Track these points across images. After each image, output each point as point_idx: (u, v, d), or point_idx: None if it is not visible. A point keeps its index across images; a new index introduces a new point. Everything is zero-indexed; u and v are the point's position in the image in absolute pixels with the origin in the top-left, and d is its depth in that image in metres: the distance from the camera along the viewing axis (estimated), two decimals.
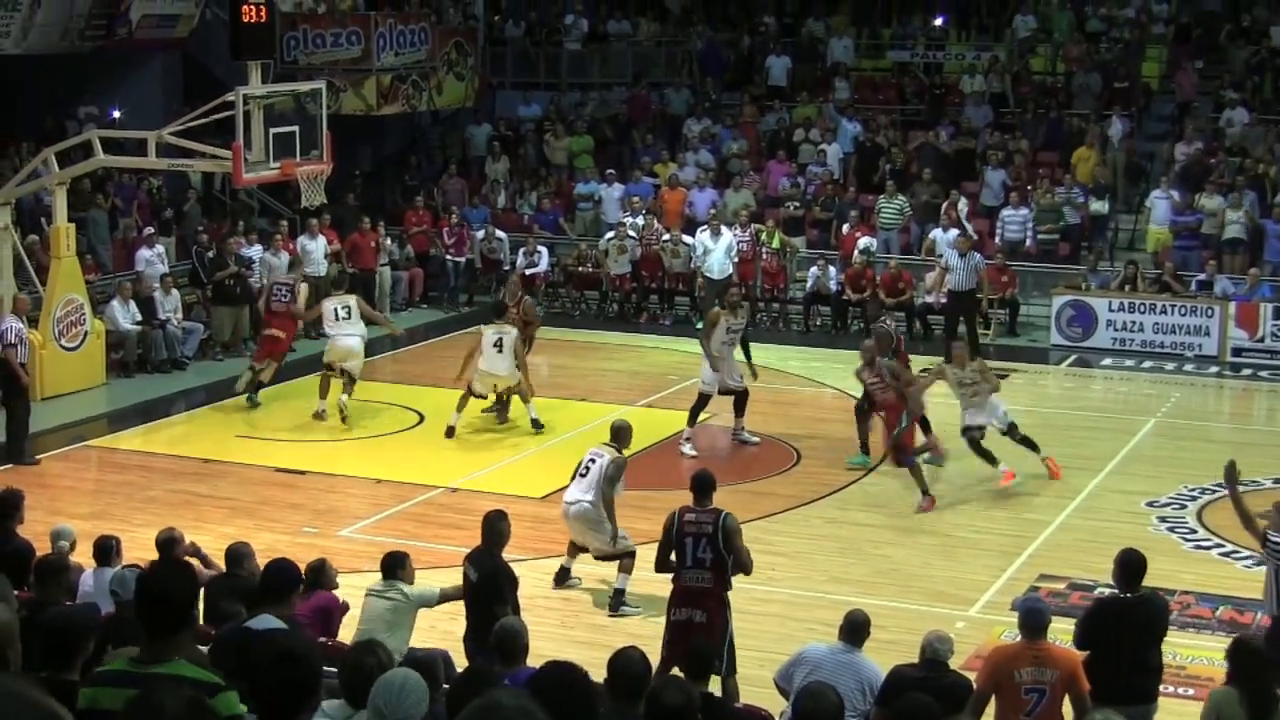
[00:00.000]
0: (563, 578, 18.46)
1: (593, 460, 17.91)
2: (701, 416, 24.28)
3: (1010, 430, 22.30)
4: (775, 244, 33.02)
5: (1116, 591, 13.21)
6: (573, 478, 18.12)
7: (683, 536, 14.55)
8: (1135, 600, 13.03)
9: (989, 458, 22.01)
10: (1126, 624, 12.76)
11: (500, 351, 24.45)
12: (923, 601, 17.90)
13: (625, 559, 17.74)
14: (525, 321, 25.90)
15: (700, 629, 14.32)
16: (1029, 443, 22.38)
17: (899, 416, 21.65)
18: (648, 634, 15.40)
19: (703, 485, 15.00)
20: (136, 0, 33.08)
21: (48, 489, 22.01)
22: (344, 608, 13.90)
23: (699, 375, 24.43)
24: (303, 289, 27.14)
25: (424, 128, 41.54)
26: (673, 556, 14.69)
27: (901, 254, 33.27)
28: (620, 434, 18.20)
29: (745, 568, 14.76)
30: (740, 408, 24.44)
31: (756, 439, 24.47)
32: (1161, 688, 13.28)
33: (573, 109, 40.79)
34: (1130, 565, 13.06)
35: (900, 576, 18.79)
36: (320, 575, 13.86)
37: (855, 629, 12.38)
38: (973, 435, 22.15)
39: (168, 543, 14.58)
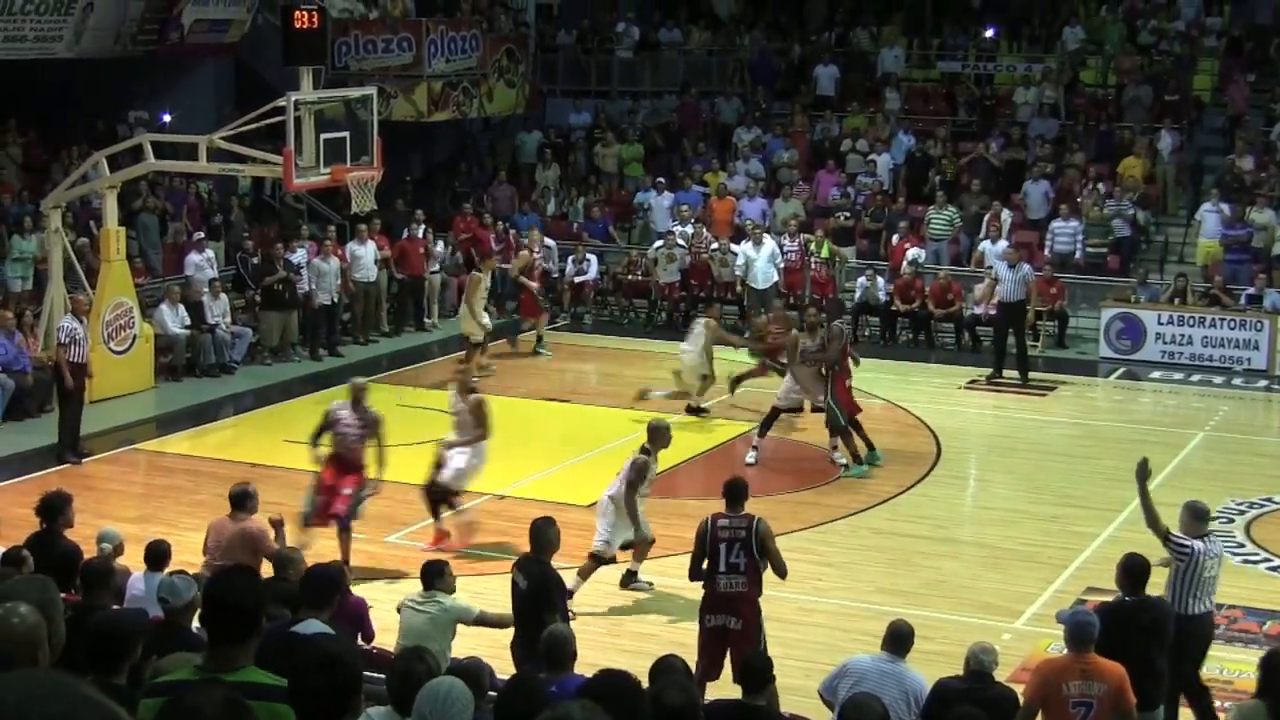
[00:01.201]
0: (629, 580, 18.64)
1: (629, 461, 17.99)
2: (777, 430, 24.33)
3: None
4: (824, 254, 33.00)
5: (1121, 596, 13.22)
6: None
7: (716, 543, 14.62)
8: (1140, 604, 13.06)
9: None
10: (1131, 629, 12.78)
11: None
12: (970, 613, 17.87)
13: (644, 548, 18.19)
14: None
15: (736, 635, 14.38)
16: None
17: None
18: (695, 643, 15.41)
19: (735, 492, 15.11)
20: (189, 5, 33.21)
21: (95, 491, 22.09)
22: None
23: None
24: None
25: (474, 134, 41.58)
26: (704, 564, 14.75)
27: (951, 265, 33.19)
28: (655, 435, 18.26)
29: (781, 571, 14.82)
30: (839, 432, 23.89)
31: (845, 461, 23.89)
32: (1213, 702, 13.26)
33: (623, 117, 40.81)
34: (1134, 569, 13.16)
35: (947, 588, 18.74)
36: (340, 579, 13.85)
37: (899, 639, 12.34)
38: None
39: (241, 496, 15.65)
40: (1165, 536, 14.17)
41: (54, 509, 14.57)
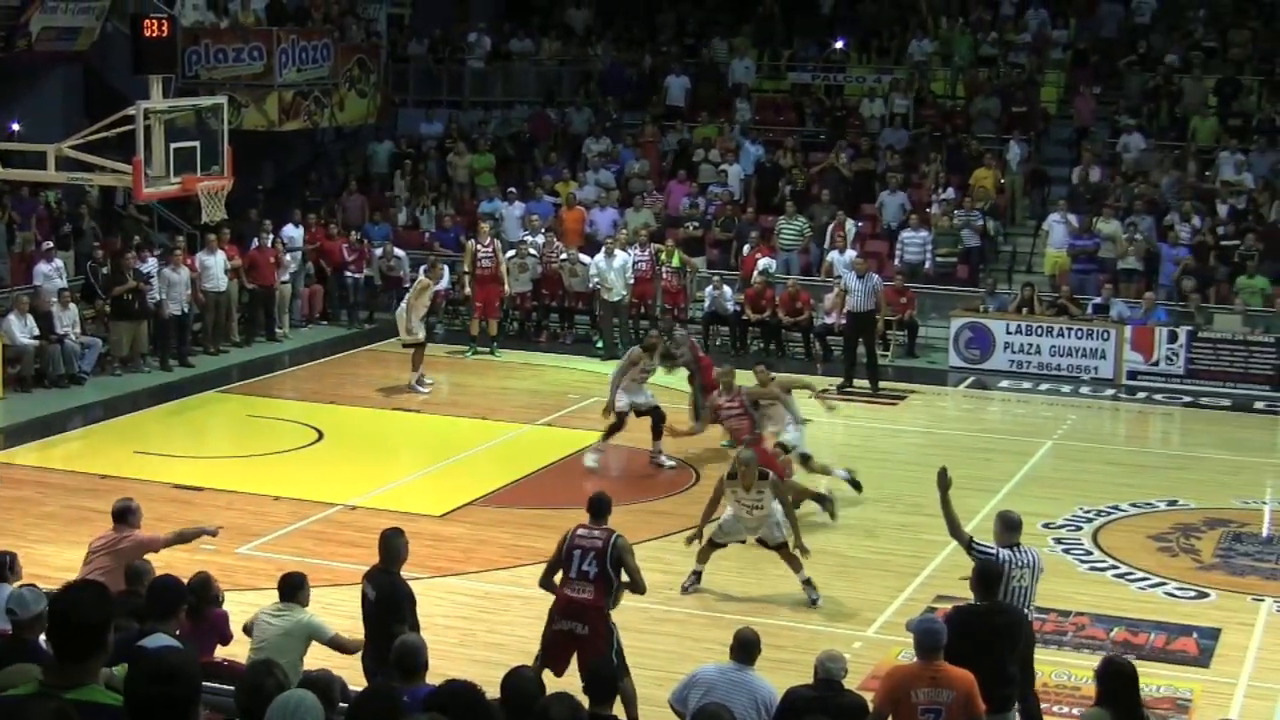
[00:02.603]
0: (694, 581, 18.97)
1: None
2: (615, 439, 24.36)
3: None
4: (675, 263, 33.10)
5: (974, 601, 13.39)
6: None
7: (571, 549, 14.83)
8: (992, 609, 13.22)
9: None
10: (985, 633, 12.90)
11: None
12: (820, 621, 18.01)
13: None
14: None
15: (583, 641, 14.59)
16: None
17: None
18: None
19: (599, 506, 15.30)
20: (37, 12, 32.83)
21: None
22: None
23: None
24: None
25: (326, 144, 41.39)
26: (557, 576, 14.96)
27: (802, 275, 33.40)
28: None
29: (640, 587, 14.97)
30: (657, 430, 24.45)
31: (673, 463, 24.46)
32: (1055, 708, 13.42)
33: (475, 127, 40.75)
34: (987, 575, 13.31)
35: (798, 596, 18.78)
36: (206, 590, 13.79)
37: (746, 647, 12.41)
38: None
39: (124, 511, 15.38)
40: (969, 545, 14.34)
41: None
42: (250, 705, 8.19)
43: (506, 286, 32.43)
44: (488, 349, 31.86)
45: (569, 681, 13.25)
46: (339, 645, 13.69)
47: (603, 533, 14.97)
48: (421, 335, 29.02)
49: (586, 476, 23.16)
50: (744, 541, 19.02)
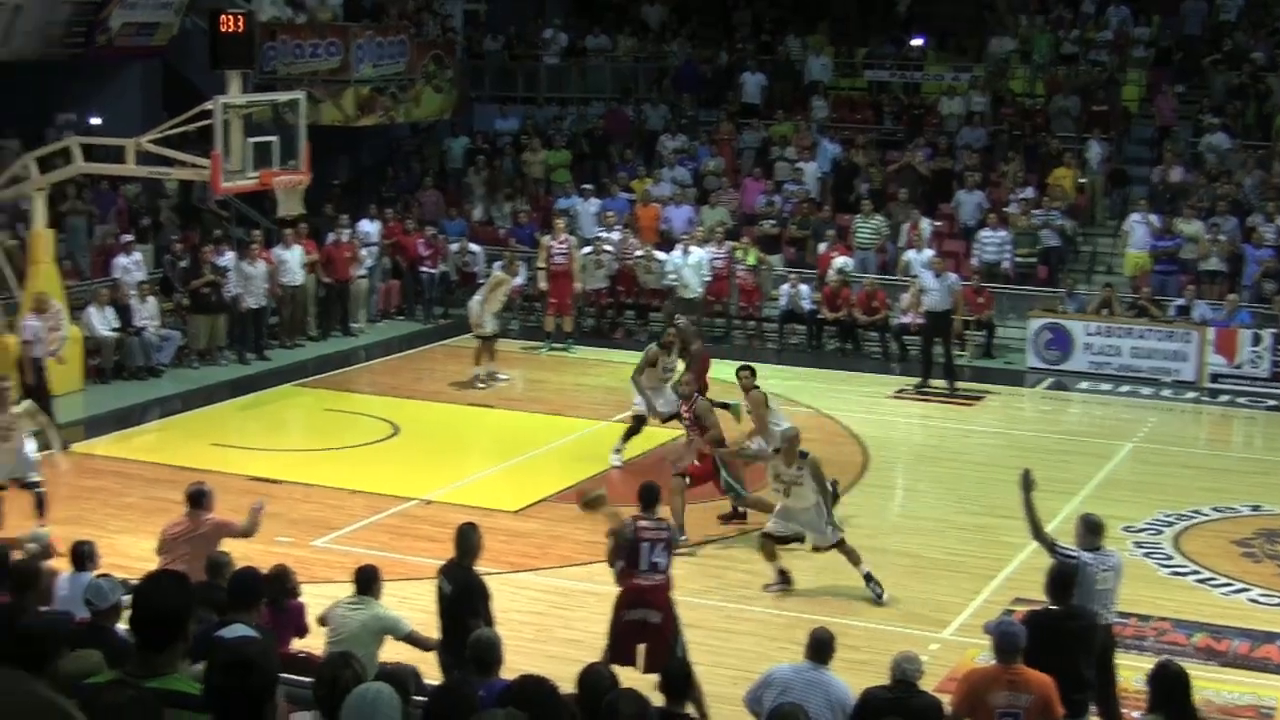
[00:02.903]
0: (782, 579, 18.98)
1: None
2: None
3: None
4: (751, 261, 32.99)
5: (1048, 605, 13.26)
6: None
7: (639, 543, 15.16)
8: (1067, 613, 13.10)
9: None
10: (1059, 637, 12.79)
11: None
12: (897, 623, 17.89)
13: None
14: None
15: (654, 629, 14.96)
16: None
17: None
18: None
19: (650, 496, 15.70)
20: (116, 8, 33.01)
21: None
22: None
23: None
24: None
25: (401, 140, 41.46)
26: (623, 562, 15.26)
27: (878, 274, 33.19)
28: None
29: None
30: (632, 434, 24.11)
31: (619, 464, 23.84)
32: (1135, 714, 13.27)
33: (550, 123, 40.76)
34: (1062, 578, 13.17)
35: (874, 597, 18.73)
36: (284, 582, 13.83)
37: (821, 647, 12.31)
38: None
39: (198, 494, 15.63)
40: (1051, 547, 14.23)
41: None
42: (327, 697, 8.19)
43: (580, 283, 32.36)
44: (563, 345, 31.82)
45: (634, 678, 13.18)
46: (415, 641, 13.66)
47: (665, 523, 15.59)
48: (491, 330, 29.00)
49: (661, 472, 23.05)
50: (802, 540, 18.98)
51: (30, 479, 20.01)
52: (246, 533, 15.92)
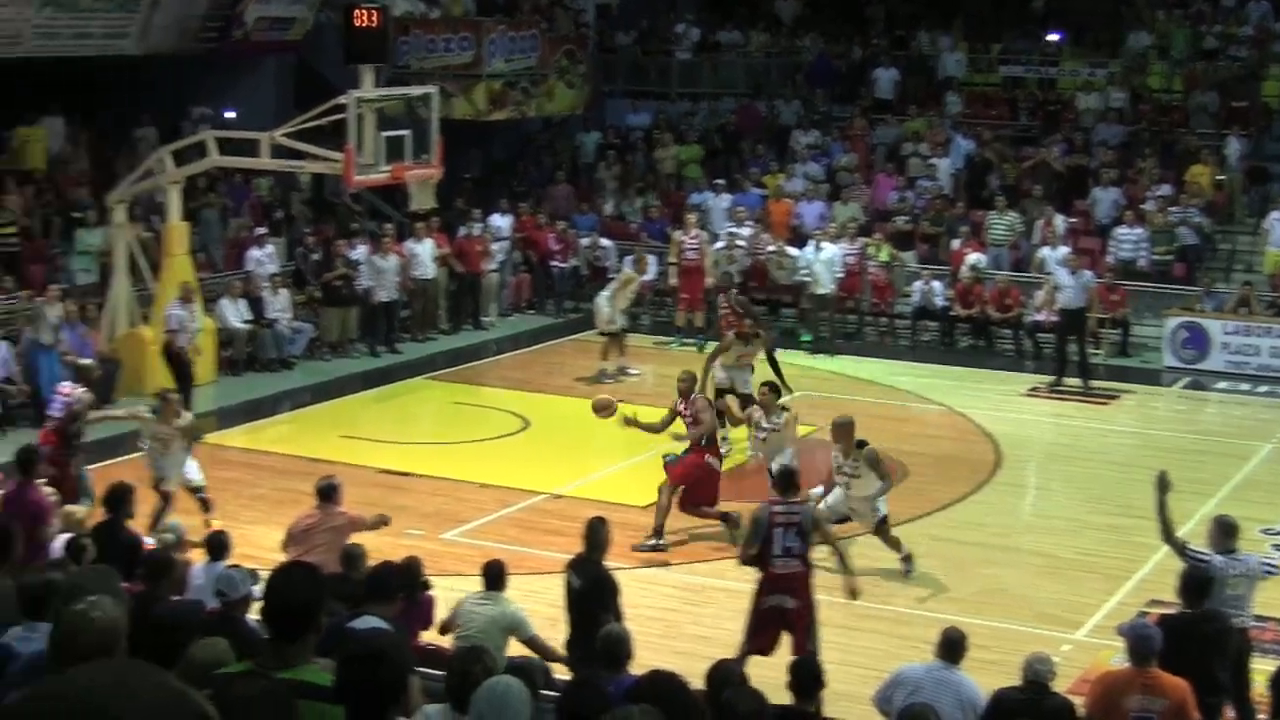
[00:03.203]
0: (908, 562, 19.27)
1: None
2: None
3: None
4: (884, 257, 32.80)
5: (1183, 608, 13.09)
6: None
7: (772, 528, 15.29)
8: (1201, 616, 12.92)
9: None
10: (1194, 641, 12.63)
11: None
12: (1029, 623, 17.73)
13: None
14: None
15: (792, 614, 15.17)
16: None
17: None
18: None
19: (788, 480, 16.01)
20: (252, 3, 33.29)
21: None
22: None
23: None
24: None
25: (533, 134, 41.55)
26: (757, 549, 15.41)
27: (1011, 270, 32.90)
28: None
29: (838, 551, 16.20)
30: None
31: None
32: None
33: (682, 118, 40.74)
34: (1195, 581, 13.00)
35: (1006, 597, 18.59)
36: (415, 575, 13.88)
37: (952, 647, 12.19)
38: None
39: (329, 489, 15.76)
40: (1182, 550, 14.06)
41: (118, 500, 14.69)
42: (458, 689, 8.21)
43: (712, 278, 32.28)
44: (694, 341, 31.75)
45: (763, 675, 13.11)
46: (536, 646, 13.58)
47: (799, 506, 15.66)
48: (619, 326, 29.01)
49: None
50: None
51: (194, 484, 20.23)
52: (373, 528, 16.00)
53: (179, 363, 25.48)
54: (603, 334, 29.14)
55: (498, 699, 7.61)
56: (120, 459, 22.20)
